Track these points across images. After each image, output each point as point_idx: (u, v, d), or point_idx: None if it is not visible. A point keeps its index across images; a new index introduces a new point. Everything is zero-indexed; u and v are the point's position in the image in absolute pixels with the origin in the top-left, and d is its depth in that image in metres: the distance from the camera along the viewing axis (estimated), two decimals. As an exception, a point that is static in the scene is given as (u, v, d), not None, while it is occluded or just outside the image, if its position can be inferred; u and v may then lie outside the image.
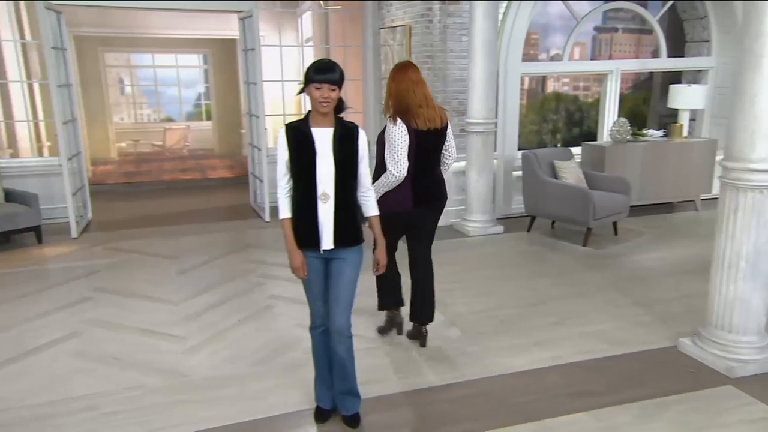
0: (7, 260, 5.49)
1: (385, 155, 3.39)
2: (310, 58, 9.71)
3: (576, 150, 7.08)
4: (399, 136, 3.33)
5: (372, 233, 2.88)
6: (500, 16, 6.56)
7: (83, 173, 6.96)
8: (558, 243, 6.02)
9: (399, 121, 3.35)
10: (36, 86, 8.47)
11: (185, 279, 5.01)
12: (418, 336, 3.82)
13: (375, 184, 3.29)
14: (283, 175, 2.72)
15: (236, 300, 4.54)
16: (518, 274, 5.14)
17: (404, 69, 3.48)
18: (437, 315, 4.20)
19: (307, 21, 9.75)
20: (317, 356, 2.96)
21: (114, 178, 9.29)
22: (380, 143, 3.49)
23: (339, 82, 2.60)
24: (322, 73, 2.57)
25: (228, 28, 9.58)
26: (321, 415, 2.99)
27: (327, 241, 2.71)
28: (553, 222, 6.60)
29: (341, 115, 2.76)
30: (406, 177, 3.39)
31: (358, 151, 2.73)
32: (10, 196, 6.11)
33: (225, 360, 3.59)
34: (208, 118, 12.88)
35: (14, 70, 8.10)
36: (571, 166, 6.28)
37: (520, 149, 6.99)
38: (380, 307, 3.96)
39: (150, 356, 3.62)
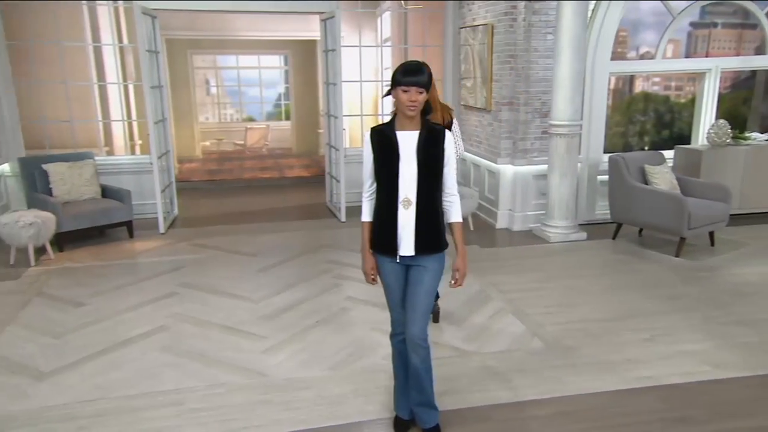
0: (102, 253, 5.78)
1: None
2: (388, 59, 9.72)
3: (667, 154, 6.68)
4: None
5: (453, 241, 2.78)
6: (588, 13, 6.27)
7: (171, 171, 7.25)
8: (647, 252, 5.69)
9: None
10: (130, 87, 8.93)
11: (264, 277, 5.10)
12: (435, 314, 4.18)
13: None
14: (367, 178, 2.69)
15: (313, 300, 4.56)
16: (604, 284, 4.88)
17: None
18: (518, 325, 4.08)
19: (386, 21, 9.74)
20: (397, 365, 2.90)
21: (198, 176, 9.65)
22: None
23: (427, 84, 2.52)
24: (410, 76, 2.49)
25: (309, 29, 9.74)
26: (400, 425, 2.93)
27: (405, 248, 2.65)
28: (641, 230, 6.24)
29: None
30: None
31: (444, 155, 2.63)
32: (106, 192, 6.44)
33: (303, 362, 3.60)
34: (287, 117, 13.16)
35: (112, 72, 8.58)
36: (663, 171, 5.92)
37: (605, 152, 6.67)
38: None
39: (232, 354, 3.69)
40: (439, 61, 7.91)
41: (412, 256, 2.65)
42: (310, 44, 11.09)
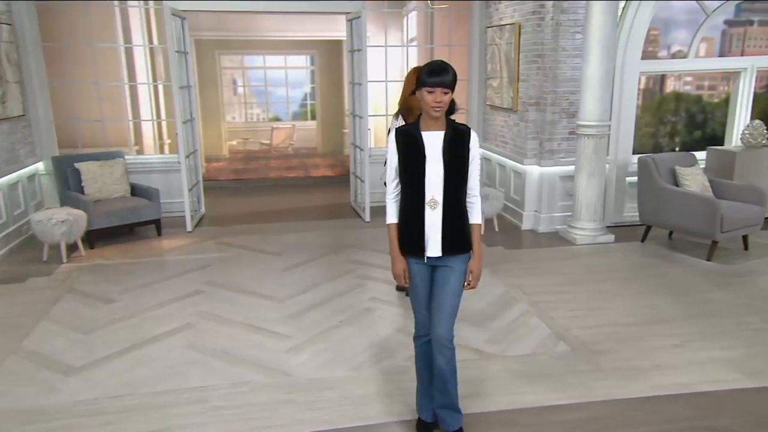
0: (132, 251, 5.88)
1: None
2: (414, 59, 9.69)
3: (699, 155, 6.52)
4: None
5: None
6: (618, 12, 6.16)
7: (198, 170, 7.34)
8: (677, 256, 5.56)
9: (400, 117, 4.17)
10: (160, 87, 9.08)
11: (289, 276, 5.12)
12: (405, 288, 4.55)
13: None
14: (392, 179, 2.67)
15: (337, 300, 4.57)
16: (632, 288, 4.79)
17: (415, 75, 3.96)
18: (543, 328, 4.03)
19: (412, 21, 9.72)
20: (420, 367, 2.88)
21: (225, 175, 9.76)
22: None
23: (452, 84, 2.50)
24: (435, 76, 2.47)
25: (335, 29, 9.76)
26: (422, 428, 2.91)
27: (433, 249, 2.63)
28: (671, 233, 6.11)
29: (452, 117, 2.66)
30: None
31: (469, 155, 2.62)
32: (135, 191, 6.55)
33: (327, 362, 3.61)
34: (313, 117, 13.23)
35: (143, 72, 8.73)
36: (695, 173, 5.78)
37: (635, 153, 6.55)
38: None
39: (256, 353, 3.71)
40: (465, 61, 7.86)
41: (438, 257, 2.64)
42: (336, 44, 11.13)
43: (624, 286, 4.82)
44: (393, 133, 2.65)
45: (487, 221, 6.54)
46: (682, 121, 9.11)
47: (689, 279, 4.97)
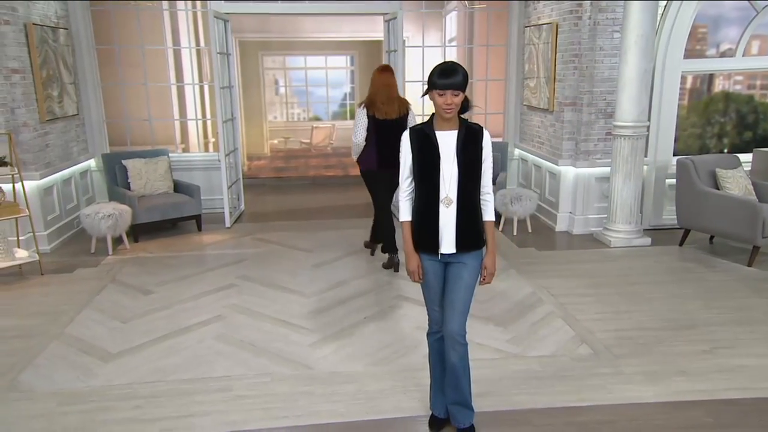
0: (173, 245, 6.13)
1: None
2: (452, 58, 9.69)
3: (745, 157, 6.31)
4: (359, 118, 5.14)
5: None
6: (660, 10, 6.03)
7: (239, 168, 7.57)
8: (716, 261, 5.41)
9: (363, 107, 5.13)
10: (205, 87, 9.39)
11: (319, 272, 5.25)
12: (392, 264, 5.26)
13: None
14: (405, 178, 2.72)
15: (364, 297, 4.66)
16: (664, 292, 4.69)
17: (380, 72, 5.21)
18: (567, 330, 4.02)
19: (452, 21, 9.72)
20: (433, 363, 2.93)
21: (266, 173, 10.00)
22: None
23: (462, 86, 2.52)
24: (446, 78, 2.50)
25: (375, 30, 9.85)
26: (435, 424, 2.96)
27: (447, 246, 2.68)
28: (712, 237, 5.94)
29: (465, 116, 2.69)
30: (373, 148, 5.12)
31: (482, 153, 2.66)
32: (178, 187, 6.82)
33: (348, 356, 3.70)
34: (352, 117, 13.37)
35: (189, 73, 9.05)
36: (738, 175, 5.60)
37: (676, 155, 6.38)
38: (370, 241, 5.71)
39: (281, 346, 3.84)
40: (503, 61, 7.83)
41: (452, 254, 2.69)
42: (376, 45, 11.21)
43: (656, 290, 4.72)
44: (406, 133, 2.69)
45: (521, 222, 6.50)
46: (731, 122, 8.79)
47: (727, 284, 4.83)
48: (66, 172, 6.50)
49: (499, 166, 7.17)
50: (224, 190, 6.80)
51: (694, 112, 8.79)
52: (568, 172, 6.38)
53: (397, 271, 5.18)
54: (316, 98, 11.66)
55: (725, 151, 8.48)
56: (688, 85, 8.78)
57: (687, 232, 5.87)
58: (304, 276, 5.16)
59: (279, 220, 7.08)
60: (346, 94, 12.80)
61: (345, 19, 9.19)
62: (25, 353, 3.74)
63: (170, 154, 7.12)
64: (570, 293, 4.66)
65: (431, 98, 2.59)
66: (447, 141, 2.62)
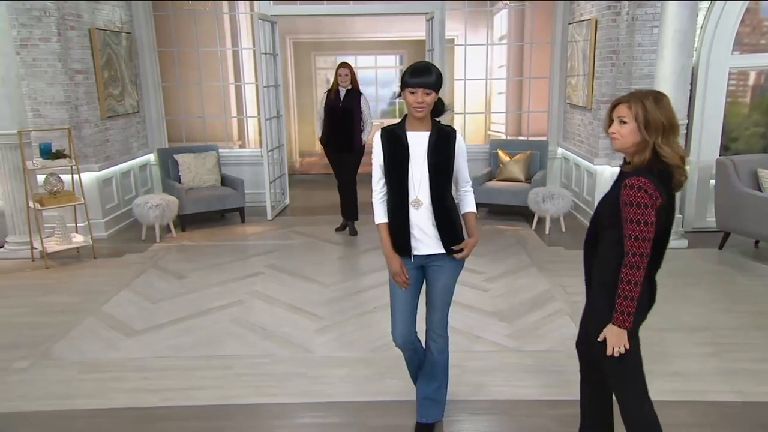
0: (215, 235, 6.52)
1: None
2: (502, 56, 9.63)
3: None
4: (320, 106, 6.30)
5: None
6: (705, 4, 5.79)
7: (284, 163, 7.90)
8: (755, 265, 5.17)
9: (323, 96, 6.26)
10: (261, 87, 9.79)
11: (342, 264, 5.45)
12: (350, 229, 6.41)
13: None
14: (377, 179, 2.71)
15: (380, 288, 4.79)
16: (686, 294, 4.55)
17: (338, 67, 6.20)
18: (571, 327, 4.01)
19: (501, 19, 9.66)
20: (413, 371, 2.95)
21: (316, 169, 10.31)
22: None
23: (435, 85, 2.52)
24: (417, 77, 2.51)
25: (423, 29, 9.92)
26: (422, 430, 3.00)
27: (420, 248, 2.66)
28: (757, 241, 5.65)
29: (440, 119, 2.68)
30: (330, 133, 6.33)
31: (454, 156, 2.64)
32: (225, 181, 7.23)
33: (348, 343, 3.87)
34: (400, 115, 13.46)
35: (250, 73, 9.49)
36: (782, 176, 5.31)
37: (729, 154, 6.09)
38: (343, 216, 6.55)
39: (288, 330, 4.06)
40: (548, 59, 7.73)
41: (427, 256, 2.67)
42: (423, 44, 11.24)
43: (677, 293, 4.58)
44: (378, 133, 2.74)
45: (554, 221, 6.44)
46: (800, 121, 8.22)
47: (756, 289, 4.62)
48: (125, 165, 7.05)
49: (538, 165, 7.11)
50: (266, 184, 7.13)
51: (758, 110, 8.30)
52: (604, 171, 6.25)
53: (354, 234, 6.37)
54: (366, 97, 11.84)
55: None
56: (751, 81, 8.31)
57: (727, 235, 5.62)
58: (329, 266, 5.37)
59: (319, 215, 7.34)
60: (394, 93, 12.92)
61: (395, 19, 9.34)
62: (63, 326, 4.16)
63: (221, 150, 7.55)
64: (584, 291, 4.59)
65: (404, 98, 2.58)
66: (418, 142, 2.61)
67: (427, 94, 2.53)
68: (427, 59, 7.80)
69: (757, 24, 6.93)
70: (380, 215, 2.74)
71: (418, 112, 2.56)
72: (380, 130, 2.72)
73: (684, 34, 5.36)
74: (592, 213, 6.65)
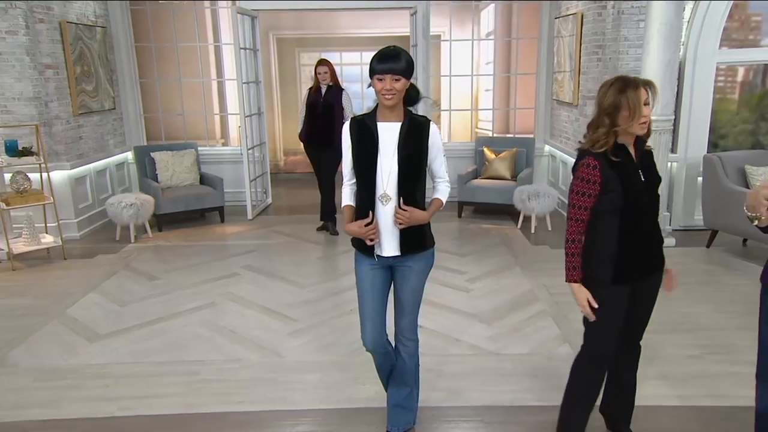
0: (192, 235, 6.34)
1: None
2: (486, 53, 9.49)
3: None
4: (302, 102, 6.21)
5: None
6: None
7: (265, 161, 7.72)
8: (742, 264, 5.05)
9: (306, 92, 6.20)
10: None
11: (321, 265, 5.29)
12: (331, 229, 6.26)
13: None
14: (348, 171, 2.57)
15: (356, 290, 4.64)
16: (672, 294, 4.39)
17: (317, 65, 6.06)
18: (553, 329, 3.89)
19: (489, 15, 9.54)
20: (384, 377, 2.81)
21: (301, 168, 10.11)
22: None
23: (404, 71, 2.37)
24: (384, 62, 2.36)
25: (408, 25, 9.77)
26: None
27: (387, 248, 2.50)
28: (745, 239, 5.54)
29: (414, 108, 2.54)
30: (311, 129, 6.10)
31: (427, 149, 2.48)
32: (203, 179, 7.04)
33: (322, 347, 3.71)
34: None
35: (231, 69, 9.29)
36: (770, 173, 5.20)
37: (718, 151, 5.97)
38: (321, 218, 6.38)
39: (259, 333, 3.89)
40: (534, 54, 7.59)
41: (395, 257, 2.52)
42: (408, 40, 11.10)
43: (663, 292, 4.43)
44: (347, 123, 2.60)
45: (540, 220, 6.30)
46: (788, 117, 8.14)
47: (746, 290, 4.49)
48: (100, 164, 6.84)
49: (525, 162, 6.98)
50: (246, 183, 6.95)
51: (746, 107, 8.22)
52: (590, 168, 6.11)
53: (335, 234, 6.20)
54: (351, 94, 11.66)
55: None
56: (740, 77, 8.22)
57: (714, 233, 5.50)
58: (306, 267, 5.21)
59: (301, 214, 7.17)
60: (369, 84, 12.65)
61: (380, 15, 9.16)
62: (25, 330, 3.97)
63: (201, 148, 7.36)
64: (568, 292, 4.45)
65: (373, 85, 2.44)
66: (389, 133, 2.46)
67: (396, 80, 2.38)
68: (414, 55, 7.66)
69: (746, 19, 6.83)
70: (346, 198, 2.61)
71: (387, 100, 2.41)
72: (350, 119, 2.59)
73: (670, 27, 5.23)
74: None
